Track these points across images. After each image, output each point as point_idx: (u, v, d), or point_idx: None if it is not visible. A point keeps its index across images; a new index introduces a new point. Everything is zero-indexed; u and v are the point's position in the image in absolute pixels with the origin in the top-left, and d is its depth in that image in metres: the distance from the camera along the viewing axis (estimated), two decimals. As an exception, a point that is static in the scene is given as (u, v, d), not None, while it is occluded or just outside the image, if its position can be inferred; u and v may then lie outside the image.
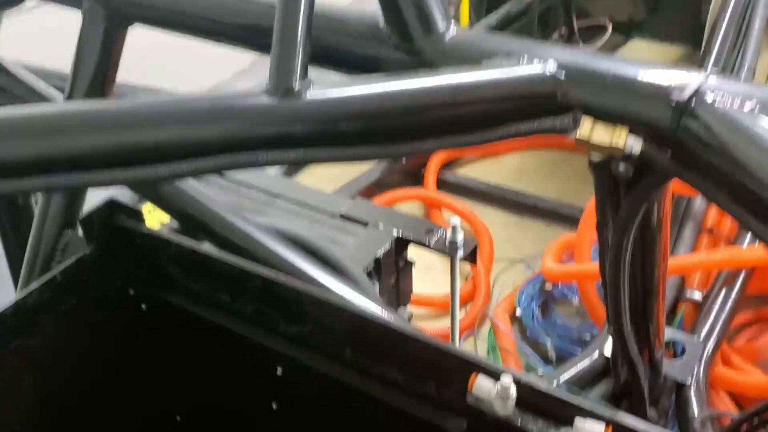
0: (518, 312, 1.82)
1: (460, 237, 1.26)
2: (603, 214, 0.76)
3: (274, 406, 1.00)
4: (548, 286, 1.87)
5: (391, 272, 1.33)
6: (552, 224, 2.25)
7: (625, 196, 0.73)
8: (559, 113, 0.67)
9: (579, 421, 0.69)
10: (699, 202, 1.79)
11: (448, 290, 1.84)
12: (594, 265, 1.67)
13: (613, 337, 1.05)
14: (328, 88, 0.64)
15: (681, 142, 0.62)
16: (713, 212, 1.79)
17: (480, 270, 1.96)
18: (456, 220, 1.25)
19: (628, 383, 1.24)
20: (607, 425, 0.68)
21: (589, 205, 1.71)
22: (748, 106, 0.59)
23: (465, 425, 0.78)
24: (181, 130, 0.60)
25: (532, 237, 2.20)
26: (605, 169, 0.69)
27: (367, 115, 0.63)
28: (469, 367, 0.75)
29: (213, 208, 1.08)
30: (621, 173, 0.68)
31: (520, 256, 2.10)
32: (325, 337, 0.89)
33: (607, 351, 1.48)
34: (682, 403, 1.42)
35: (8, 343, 0.89)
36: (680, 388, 1.44)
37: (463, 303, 1.95)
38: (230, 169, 0.63)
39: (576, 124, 0.67)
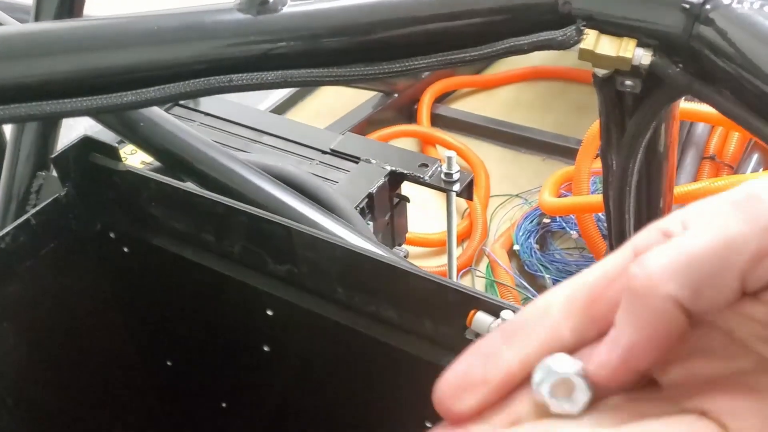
0: (516, 247, 1.78)
1: (455, 170, 1.21)
2: (608, 137, 0.71)
3: (266, 348, 0.97)
4: (546, 221, 1.83)
5: (385, 209, 1.29)
6: (549, 158, 2.19)
7: (631, 115, 0.67)
8: (560, 25, 0.62)
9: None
10: (701, 128, 1.74)
11: (444, 228, 1.80)
12: (592, 197, 1.63)
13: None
14: (308, 0, 0.58)
15: (694, 51, 0.57)
16: (715, 139, 1.74)
17: (476, 206, 1.91)
18: (451, 152, 1.20)
19: (630, 315, 1.20)
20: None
21: (587, 136, 1.67)
22: (770, 7, 0.54)
23: (464, 362, 0.75)
24: (145, 53, 0.55)
25: (529, 171, 2.15)
26: (611, 86, 0.63)
27: (353, 30, 0.57)
28: (468, 302, 0.71)
29: (196, 144, 1.03)
30: (628, 89, 0.62)
31: (517, 190, 2.05)
32: (316, 275, 0.85)
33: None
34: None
35: (-16, 291, 0.85)
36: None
37: (460, 240, 1.92)
38: (203, 95, 0.57)
39: (579, 36, 0.61)
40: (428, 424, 0.85)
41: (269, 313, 0.91)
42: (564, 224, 1.81)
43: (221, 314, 0.99)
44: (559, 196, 1.78)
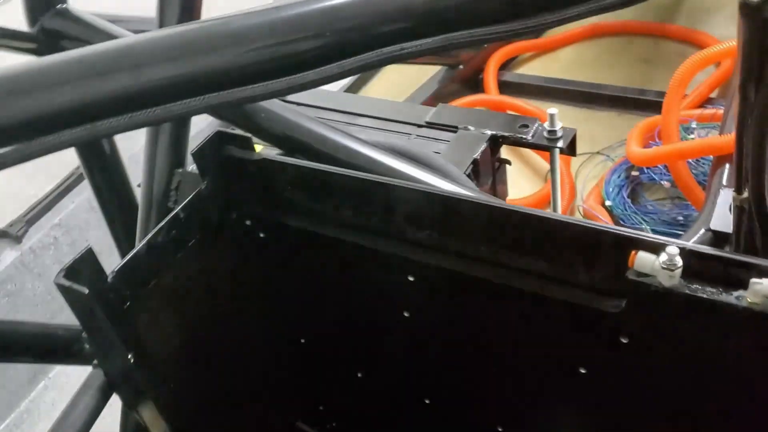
0: (607, 203, 1.79)
1: (559, 126, 1.22)
2: (749, 67, 0.72)
3: (406, 314, 1.00)
4: (635, 173, 1.83)
5: (488, 174, 1.31)
6: (624, 112, 2.18)
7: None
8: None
9: (755, 282, 0.66)
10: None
11: (536, 190, 1.81)
12: (686, 144, 1.62)
13: (747, 207, 1.01)
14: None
15: None
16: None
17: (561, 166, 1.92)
18: (553, 110, 1.21)
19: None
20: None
21: (672, 84, 1.66)
22: None
23: (624, 304, 0.77)
24: (319, 31, 0.57)
25: (605, 128, 2.14)
26: (758, 14, 0.64)
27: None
28: (628, 243, 0.73)
29: (313, 128, 1.07)
30: (778, 17, 0.63)
31: (597, 148, 2.05)
32: (457, 237, 0.88)
33: (715, 225, 1.45)
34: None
35: (145, 284, 0.90)
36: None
37: (545, 203, 1.93)
38: (378, 66, 0.60)
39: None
40: (582, 370, 0.88)
41: (410, 279, 0.94)
42: (653, 175, 1.80)
43: (360, 286, 1.02)
44: (646, 147, 1.78)
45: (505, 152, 1.39)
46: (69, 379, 3.00)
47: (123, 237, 1.14)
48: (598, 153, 2.02)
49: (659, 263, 0.70)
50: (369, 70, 0.56)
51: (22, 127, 0.57)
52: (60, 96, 0.58)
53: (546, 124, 1.24)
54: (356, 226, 0.94)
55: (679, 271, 0.70)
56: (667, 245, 0.70)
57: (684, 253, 0.69)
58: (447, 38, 0.61)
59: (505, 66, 2.50)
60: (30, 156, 0.58)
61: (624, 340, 0.79)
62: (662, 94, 1.81)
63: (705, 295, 0.70)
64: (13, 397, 2.94)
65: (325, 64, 0.59)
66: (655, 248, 0.71)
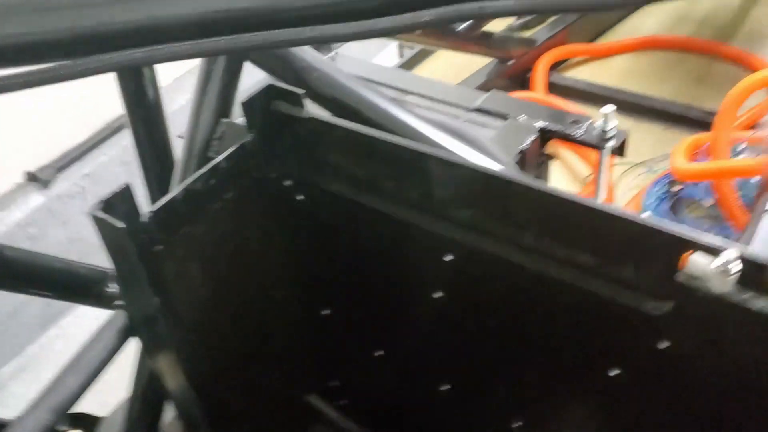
0: (646, 214, 1.75)
1: (612, 126, 1.19)
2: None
3: (438, 294, 0.98)
4: (675, 189, 1.79)
5: (533, 167, 1.28)
6: (670, 127, 2.14)
7: None
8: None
9: (815, 298, 0.63)
10: None
11: (578, 191, 1.78)
12: (737, 162, 1.58)
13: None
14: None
15: None
16: None
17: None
18: (609, 107, 1.18)
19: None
20: None
21: (726, 101, 1.61)
22: None
23: (670, 307, 0.74)
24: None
25: (650, 140, 2.10)
26: None
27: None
28: (682, 243, 0.70)
29: (365, 94, 1.05)
30: None
31: (639, 159, 2.01)
32: (503, 220, 0.85)
33: (755, 248, 1.41)
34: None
35: (178, 230, 0.89)
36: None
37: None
38: (450, 22, 0.58)
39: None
40: (613, 373, 0.85)
41: (448, 258, 0.92)
42: (695, 193, 1.76)
43: (393, 261, 1.00)
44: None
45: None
46: (79, 330, 3.02)
47: (157, 191, 1.13)
48: (640, 164, 1.98)
49: (714, 267, 0.67)
50: (445, 23, 0.54)
51: (81, 42, 0.56)
52: (122, 13, 0.56)
53: (599, 123, 1.20)
54: (398, 199, 0.92)
55: (734, 278, 0.67)
56: (725, 249, 0.67)
57: (742, 259, 0.66)
58: (532, 2, 0.58)
59: (554, 68, 2.46)
60: (85, 73, 0.56)
61: (663, 346, 0.77)
62: (710, 113, 1.75)
63: (755, 307, 0.67)
64: (21, 341, 2.96)
65: (400, 12, 0.57)
66: (712, 251, 0.68)
